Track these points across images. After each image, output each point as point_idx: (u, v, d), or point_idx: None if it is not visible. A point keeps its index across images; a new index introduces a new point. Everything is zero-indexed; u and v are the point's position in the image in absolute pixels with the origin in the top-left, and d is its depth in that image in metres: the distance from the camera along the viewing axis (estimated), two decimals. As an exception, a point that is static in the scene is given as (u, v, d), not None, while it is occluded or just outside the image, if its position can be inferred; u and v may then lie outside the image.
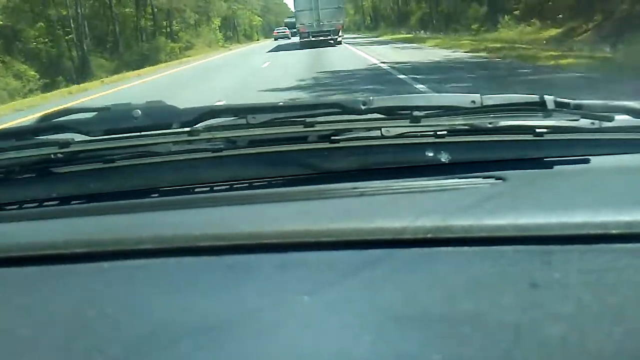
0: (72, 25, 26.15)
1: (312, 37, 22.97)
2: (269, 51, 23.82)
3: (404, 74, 9.22)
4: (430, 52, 14.20)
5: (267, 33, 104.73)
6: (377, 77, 9.39)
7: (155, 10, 33.97)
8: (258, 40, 74.92)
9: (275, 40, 45.54)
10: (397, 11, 41.30)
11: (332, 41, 22.63)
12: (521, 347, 0.42)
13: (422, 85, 7.56)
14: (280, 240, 0.58)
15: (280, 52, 21.70)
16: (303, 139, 0.78)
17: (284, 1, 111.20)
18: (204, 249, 0.58)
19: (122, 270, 0.57)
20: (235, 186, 0.78)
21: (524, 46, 12.69)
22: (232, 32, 62.38)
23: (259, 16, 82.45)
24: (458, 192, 0.67)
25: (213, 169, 0.79)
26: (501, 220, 0.57)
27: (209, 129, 0.76)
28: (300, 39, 23.99)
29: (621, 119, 0.77)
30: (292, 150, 0.78)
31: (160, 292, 0.53)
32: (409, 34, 28.53)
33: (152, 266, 0.57)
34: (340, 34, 23.39)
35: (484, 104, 0.74)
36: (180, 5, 35.36)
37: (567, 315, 0.45)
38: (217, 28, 48.09)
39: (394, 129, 0.75)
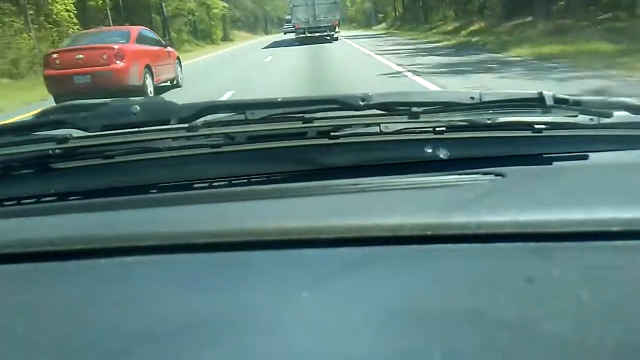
0: None
1: (308, 33, 22.95)
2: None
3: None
4: None
5: (251, 27, 71.15)
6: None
7: None
8: (226, 40, 43.95)
9: (284, 34, 39.38)
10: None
11: (328, 37, 22.58)
12: (521, 344, 0.42)
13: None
14: (279, 237, 0.58)
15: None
16: (302, 135, 0.78)
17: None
18: (202, 245, 0.58)
19: (120, 267, 0.57)
20: (234, 182, 0.78)
21: None
22: (163, 31, 27.58)
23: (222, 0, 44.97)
24: (457, 188, 0.67)
25: (212, 165, 0.79)
26: (500, 217, 0.57)
27: (207, 124, 0.76)
28: (296, 34, 23.92)
29: (620, 115, 0.77)
30: (290, 146, 0.78)
31: (159, 288, 0.53)
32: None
33: (150, 263, 0.57)
34: (336, 29, 23.28)
35: (483, 100, 0.74)
36: None
37: (566, 312, 0.45)
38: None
39: (393, 125, 0.75)
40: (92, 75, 7.78)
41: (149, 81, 8.44)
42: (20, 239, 0.63)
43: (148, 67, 8.51)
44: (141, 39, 8.95)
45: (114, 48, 8.02)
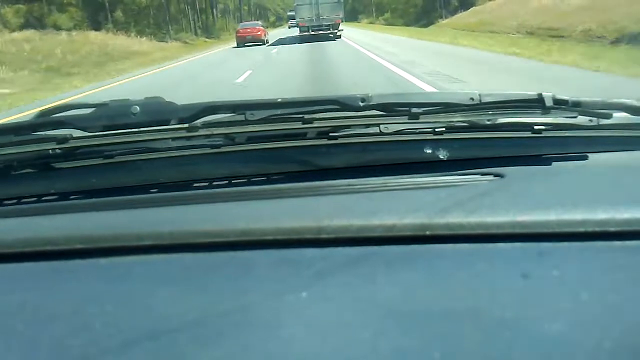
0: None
1: (312, 31, 23.09)
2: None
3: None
4: None
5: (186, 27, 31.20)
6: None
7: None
8: None
9: (289, 28, 41.49)
10: None
11: (331, 35, 22.65)
12: (520, 344, 0.41)
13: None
14: (278, 237, 0.58)
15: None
16: (301, 135, 0.77)
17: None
18: (202, 245, 0.58)
19: (120, 266, 0.57)
20: (233, 182, 0.78)
21: None
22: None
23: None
24: (456, 189, 0.67)
25: (212, 165, 0.79)
26: (499, 217, 0.57)
27: (207, 125, 0.76)
28: (299, 32, 24.18)
29: (619, 117, 0.77)
30: (290, 146, 0.77)
31: (159, 288, 0.53)
32: None
33: (150, 262, 0.57)
34: (340, 28, 23.33)
35: (483, 101, 0.74)
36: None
37: (565, 312, 0.44)
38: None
39: (392, 125, 0.75)
40: (252, 36, 24.76)
41: (265, 39, 24.82)
42: (21, 239, 0.62)
43: (265, 34, 25.87)
44: (260, 25, 26.90)
45: (258, 27, 26.08)
